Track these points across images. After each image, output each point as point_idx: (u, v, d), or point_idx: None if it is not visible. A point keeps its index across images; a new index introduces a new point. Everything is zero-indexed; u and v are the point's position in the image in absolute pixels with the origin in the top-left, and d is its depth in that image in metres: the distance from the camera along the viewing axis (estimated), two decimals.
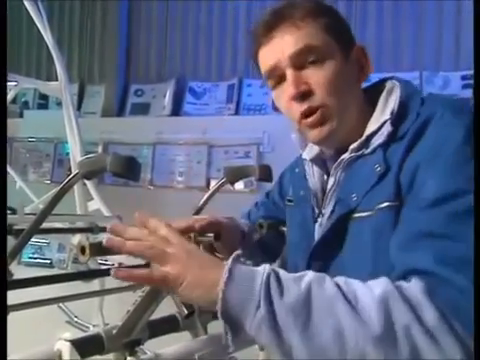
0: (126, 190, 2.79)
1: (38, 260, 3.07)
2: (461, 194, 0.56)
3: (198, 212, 1.04)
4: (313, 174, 0.80)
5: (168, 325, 0.65)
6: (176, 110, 3.10)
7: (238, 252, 0.55)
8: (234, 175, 1.03)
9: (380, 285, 0.53)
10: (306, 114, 0.70)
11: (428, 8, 2.65)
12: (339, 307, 0.50)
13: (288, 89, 0.70)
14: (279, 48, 0.70)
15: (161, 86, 3.21)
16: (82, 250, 0.53)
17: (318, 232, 0.75)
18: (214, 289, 0.51)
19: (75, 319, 2.08)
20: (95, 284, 1.72)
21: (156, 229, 0.58)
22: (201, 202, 1.06)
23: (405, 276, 0.55)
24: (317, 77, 0.69)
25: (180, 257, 0.54)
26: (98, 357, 0.61)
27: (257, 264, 0.60)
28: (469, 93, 2.42)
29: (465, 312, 0.50)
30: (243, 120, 2.85)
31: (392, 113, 0.68)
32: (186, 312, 0.53)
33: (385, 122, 0.67)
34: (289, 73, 0.70)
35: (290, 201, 0.87)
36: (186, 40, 3.22)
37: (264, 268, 0.54)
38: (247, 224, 0.99)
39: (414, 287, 0.52)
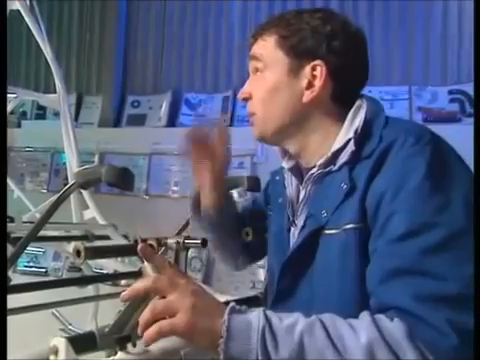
0: (122, 199, 2.81)
1: (33, 268, 3.08)
2: (429, 228, 0.58)
3: (189, 222, 1.07)
4: (291, 183, 0.83)
5: None
6: (172, 121, 3.14)
7: (233, 304, 0.59)
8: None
9: (365, 330, 0.55)
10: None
11: (417, 26, 2.73)
12: (329, 356, 0.54)
13: None
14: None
15: (157, 98, 3.25)
16: (77, 253, 0.57)
17: (291, 241, 0.78)
18: (216, 341, 0.56)
19: (70, 326, 2.10)
20: (90, 291, 1.75)
21: (162, 268, 0.61)
22: None
23: (385, 310, 0.58)
24: (256, 85, 0.78)
25: (187, 308, 0.56)
26: (91, 356, 0.65)
27: None
28: (456, 107, 2.48)
29: (443, 352, 0.52)
30: (237, 131, 2.85)
31: (356, 132, 0.70)
32: None
33: (349, 140, 0.70)
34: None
35: (270, 210, 0.90)
36: (182, 53, 3.28)
37: (259, 319, 0.57)
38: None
39: (397, 330, 0.54)
